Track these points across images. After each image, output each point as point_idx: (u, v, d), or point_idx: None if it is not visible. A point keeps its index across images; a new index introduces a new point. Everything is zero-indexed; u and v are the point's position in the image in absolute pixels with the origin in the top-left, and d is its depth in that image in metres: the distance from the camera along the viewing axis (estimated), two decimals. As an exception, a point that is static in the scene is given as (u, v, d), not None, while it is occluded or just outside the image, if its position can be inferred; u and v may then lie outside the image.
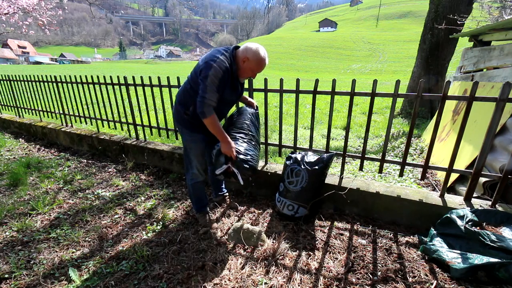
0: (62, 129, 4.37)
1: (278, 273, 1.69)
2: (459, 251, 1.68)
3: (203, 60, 1.75)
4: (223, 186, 2.58)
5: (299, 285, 1.60)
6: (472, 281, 1.57)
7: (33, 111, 5.03)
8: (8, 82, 5.18)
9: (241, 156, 1.88)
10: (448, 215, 1.85)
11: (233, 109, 2.32)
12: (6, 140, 4.74)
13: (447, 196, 2.11)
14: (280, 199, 2.27)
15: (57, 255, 1.92)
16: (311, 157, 2.23)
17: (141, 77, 3.31)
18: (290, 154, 2.40)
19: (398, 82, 2.06)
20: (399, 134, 4.54)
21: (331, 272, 1.70)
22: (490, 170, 2.28)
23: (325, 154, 2.24)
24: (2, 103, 5.68)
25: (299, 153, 2.37)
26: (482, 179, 2.18)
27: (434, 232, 1.87)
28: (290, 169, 2.25)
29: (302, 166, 2.18)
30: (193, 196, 2.24)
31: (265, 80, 2.60)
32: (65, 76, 4.22)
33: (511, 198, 2.10)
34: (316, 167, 2.15)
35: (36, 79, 4.58)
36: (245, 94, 2.35)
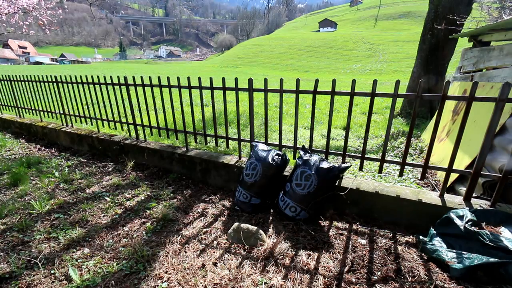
0: (63, 129, 4.38)
1: (277, 273, 1.69)
2: (458, 251, 1.68)
3: None
4: None
5: (298, 285, 1.60)
6: (472, 280, 1.57)
7: (34, 111, 5.03)
8: (8, 82, 5.19)
9: None
10: (448, 215, 1.85)
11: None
12: (7, 140, 4.74)
13: (447, 196, 2.12)
14: (284, 199, 2.26)
15: (57, 255, 1.92)
16: (324, 164, 2.16)
17: (141, 77, 3.31)
18: (301, 154, 2.32)
19: (398, 82, 2.07)
20: (399, 134, 4.53)
21: (331, 271, 1.70)
22: (490, 170, 2.28)
23: (337, 164, 2.18)
24: (3, 103, 5.68)
25: (311, 155, 2.29)
26: (482, 179, 2.19)
27: (434, 232, 1.88)
28: (300, 171, 2.21)
29: (313, 171, 2.13)
30: None
31: (265, 80, 2.60)
32: (65, 76, 4.23)
33: (511, 198, 2.10)
34: (328, 175, 2.11)
35: (37, 79, 4.58)
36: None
